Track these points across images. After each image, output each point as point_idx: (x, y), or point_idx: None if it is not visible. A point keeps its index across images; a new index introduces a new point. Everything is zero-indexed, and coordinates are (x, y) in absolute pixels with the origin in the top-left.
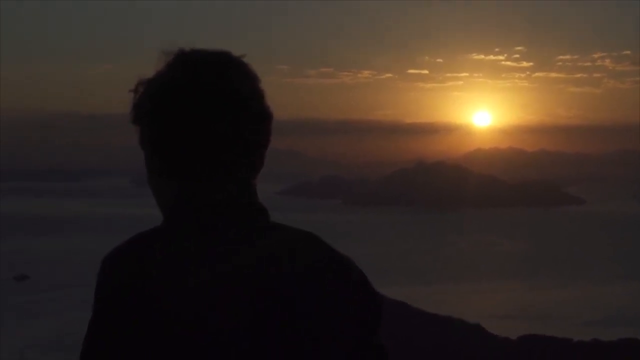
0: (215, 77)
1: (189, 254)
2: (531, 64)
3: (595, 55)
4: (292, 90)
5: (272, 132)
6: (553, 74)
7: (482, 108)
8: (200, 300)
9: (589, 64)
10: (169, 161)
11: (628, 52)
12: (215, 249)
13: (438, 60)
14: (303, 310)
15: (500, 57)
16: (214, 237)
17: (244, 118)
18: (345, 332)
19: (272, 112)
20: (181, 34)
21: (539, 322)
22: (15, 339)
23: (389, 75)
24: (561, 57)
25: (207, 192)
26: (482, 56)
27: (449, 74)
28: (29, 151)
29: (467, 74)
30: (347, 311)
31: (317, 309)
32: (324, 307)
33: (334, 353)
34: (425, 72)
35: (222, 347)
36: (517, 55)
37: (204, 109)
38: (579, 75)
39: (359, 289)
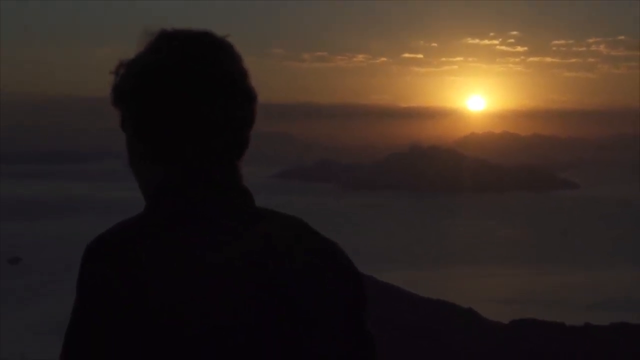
0: (201, 57)
1: (178, 244)
2: (526, 48)
3: (590, 40)
4: (287, 74)
5: (263, 116)
6: (548, 59)
7: (477, 92)
8: (190, 291)
9: (583, 49)
10: (153, 144)
11: (622, 37)
12: (204, 239)
13: (433, 44)
14: (296, 302)
15: (495, 42)
16: (202, 225)
17: (231, 99)
18: (338, 322)
19: (257, 93)
20: (177, 15)
21: (532, 307)
22: (11, 322)
23: (384, 59)
24: (556, 42)
25: (194, 177)
26: (477, 40)
27: (443, 59)
28: (26, 134)
29: (461, 59)
30: (338, 301)
31: (309, 299)
32: (317, 298)
33: (329, 344)
34: (420, 56)
35: (216, 340)
36: (512, 40)
37: (191, 89)
38: (573, 60)
39: (348, 277)
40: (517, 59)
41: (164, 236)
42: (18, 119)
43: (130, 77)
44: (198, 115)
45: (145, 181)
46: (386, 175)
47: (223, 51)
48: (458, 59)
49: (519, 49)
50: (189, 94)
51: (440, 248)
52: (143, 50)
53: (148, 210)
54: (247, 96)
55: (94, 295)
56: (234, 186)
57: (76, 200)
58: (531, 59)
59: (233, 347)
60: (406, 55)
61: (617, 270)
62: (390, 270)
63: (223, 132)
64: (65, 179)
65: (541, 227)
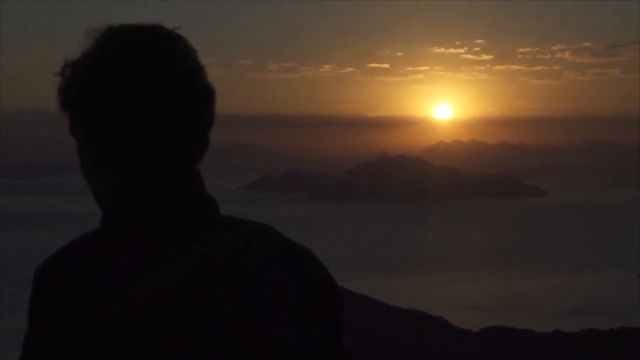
0: (151, 53)
1: (135, 258)
2: (491, 56)
3: (555, 48)
4: (253, 85)
5: (231, 127)
6: (514, 67)
7: (443, 101)
8: (149, 307)
9: (549, 56)
10: (105, 149)
11: (588, 44)
12: (164, 249)
13: (399, 54)
14: (259, 311)
15: (461, 50)
16: (161, 236)
17: (186, 96)
18: (305, 333)
19: (215, 89)
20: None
21: (502, 314)
22: None
23: (350, 69)
24: (521, 49)
25: (149, 186)
26: (442, 49)
27: (409, 68)
28: None
29: (427, 68)
30: (306, 310)
31: (273, 308)
32: (281, 306)
33: (293, 356)
34: (386, 65)
35: (175, 355)
36: (478, 49)
37: (141, 87)
38: (539, 68)
39: (319, 284)
40: (483, 67)
41: (118, 252)
42: None
43: (77, 78)
44: (150, 114)
45: (98, 190)
46: (355, 185)
47: (175, 45)
48: (424, 68)
49: (485, 57)
50: (140, 93)
51: (410, 256)
52: (89, 49)
53: (101, 224)
54: (203, 92)
55: (45, 321)
56: (193, 193)
57: (45, 214)
58: (497, 67)
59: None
60: (372, 65)
61: (586, 275)
62: (360, 279)
63: (178, 133)
64: (32, 193)
65: (509, 234)
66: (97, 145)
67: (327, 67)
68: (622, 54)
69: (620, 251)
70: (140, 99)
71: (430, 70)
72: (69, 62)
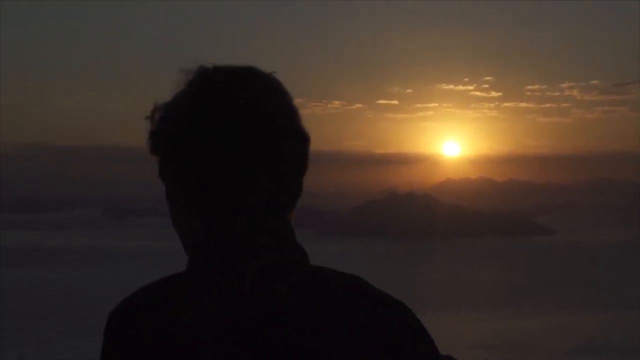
0: (246, 96)
1: (218, 309)
2: (500, 93)
3: (564, 85)
4: None
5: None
6: (522, 104)
7: (452, 138)
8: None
9: (557, 93)
10: (197, 195)
11: (596, 81)
12: (248, 305)
13: (408, 90)
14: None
15: (470, 87)
16: (246, 289)
17: (281, 141)
18: None
19: (309, 134)
20: (147, 57)
21: (511, 353)
22: None
23: (359, 105)
24: (530, 87)
25: (240, 232)
26: (451, 86)
27: (418, 104)
28: None
29: (436, 104)
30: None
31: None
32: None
33: None
34: (395, 102)
35: None
36: (486, 85)
37: (236, 132)
38: (547, 105)
39: (396, 346)
40: (492, 105)
41: (202, 303)
42: None
43: (168, 122)
44: (242, 158)
45: (185, 237)
46: (363, 222)
47: (268, 89)
48: (433, 104)
49: (494, 94)
50: (231, 136)
51: (418, 294)
52: (181, 91)
53: (187, 270)
54: (297, 136)
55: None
56: (282, 244)
57: (53, 249)
58: (506, 104)
59: None
60: (381, 101)
61: (594, 314)
62: None
63: (270, 177)
64: (37, 228)
65: (516, 273)
66: (189, 190)
67: (336, 103)
68: (630, 91)
69: (628, 290)
70: (234, 145)
71: (439, 107)
72: (159, 105)
